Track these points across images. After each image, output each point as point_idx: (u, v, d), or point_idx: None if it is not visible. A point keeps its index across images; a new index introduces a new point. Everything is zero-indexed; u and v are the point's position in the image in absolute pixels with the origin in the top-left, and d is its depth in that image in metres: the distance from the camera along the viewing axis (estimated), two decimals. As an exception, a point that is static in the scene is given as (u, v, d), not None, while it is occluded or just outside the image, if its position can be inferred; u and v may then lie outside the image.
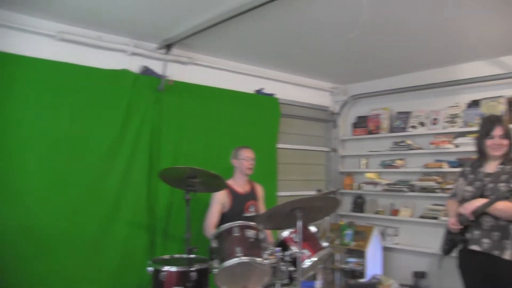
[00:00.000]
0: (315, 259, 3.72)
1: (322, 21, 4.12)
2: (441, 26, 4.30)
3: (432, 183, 5.55)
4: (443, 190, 5.41)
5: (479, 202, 3.21)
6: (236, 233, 3.56)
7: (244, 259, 3.38)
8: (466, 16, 4.06)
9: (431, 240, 5.49)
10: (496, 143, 3.30)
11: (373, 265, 5.67)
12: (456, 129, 5.44)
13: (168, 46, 4.62)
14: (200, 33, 4.17)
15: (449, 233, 3.53)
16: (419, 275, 5.46)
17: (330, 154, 6.71)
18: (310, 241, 3.81)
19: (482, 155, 3.42)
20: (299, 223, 3.26)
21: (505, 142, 3.30)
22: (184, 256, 3.58)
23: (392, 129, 6.15)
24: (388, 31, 4.42)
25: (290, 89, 6.13)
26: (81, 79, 4.17)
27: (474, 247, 3.26)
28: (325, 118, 6.72)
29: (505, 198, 3.12)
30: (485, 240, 3.22)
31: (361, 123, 6.52)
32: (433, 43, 4.81)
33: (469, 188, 3.38)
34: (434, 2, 3.72)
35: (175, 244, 4.61)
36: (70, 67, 4.11)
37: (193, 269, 3.46)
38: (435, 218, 5.47)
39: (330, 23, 4.17)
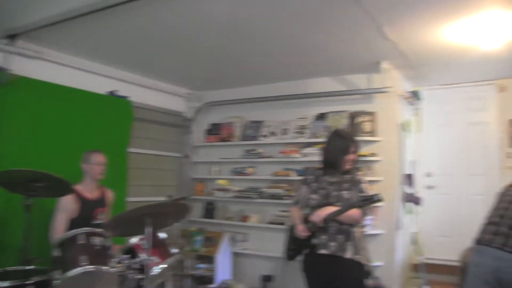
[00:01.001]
0: (164, 266, 3.65)
1: (178, 26, 4.11)
2: (293, 42, 4.57)
3: (280, 191, 5.81)
4: (290, 197, 5.68)
5: (329, 209, 3.42)
6: (81, 241, 3.33)
7: (89, 268, 3.17)
8: (316, 36, 4.36)
9: (279, 244, 5.67)
10: (352, 158, 3.58)
11: (223, 271, 5.74)
12: (304, 140, 5.77)
13: (12, 37, 4.23)
14: (50, 26, 3.89)
15: (294, 239, 3.66)
16: (267, 278, 5.66)
17: (183, 160, 6.68)
18: (159, 248, 3.73)
19: (329, 166, 3.62)
20: (148, 230, 3.20)
21: (356, 157, 3.63)
22: (20, 268, 3.25)
23: (244, 137, 6.32)
24: (244, 42, 4.56)
25: (145, 92, 5.98)
26: None
27: (323, 251, 3.45)
28: (179, 123, 6.67)
29: (359, 206, 3.40)
30: (332, 244, 3.45)
31: (215, 130, 6.60)
32: (286, 57, 5.07)
33: (314, 196, 3.57)
34: (289, 20, 3.95)
35: (12, 255, 4.18)
36: None
37: (30, 282, 3.10)
38: (282, 224, 5.72)
39: (186, 29, 4.17)
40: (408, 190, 5.62)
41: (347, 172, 3.60)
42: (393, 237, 5.33)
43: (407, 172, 5.73)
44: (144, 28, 4.16)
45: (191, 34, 4.31)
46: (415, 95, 5.93)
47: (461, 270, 4.28)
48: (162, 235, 3.91)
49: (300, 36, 4.37)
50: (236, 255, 6.06)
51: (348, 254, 3.44)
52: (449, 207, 6.16)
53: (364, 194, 3.41)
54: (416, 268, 5.66)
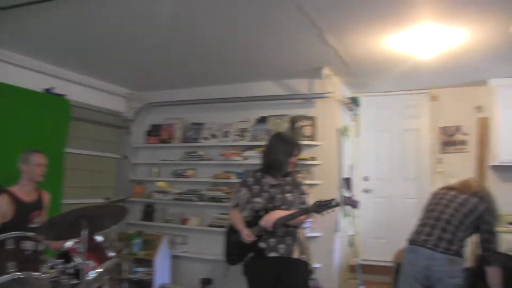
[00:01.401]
0: (100, 270, 3.56)
1: (118, 25, 4.03)
2: (236, 46, 4.60)
3: (220, 193, 5.81)
4: (230, 200, 5.68)
5: (278, 214, 3.42)
6: (10, 246, 3.20)
7: (18, 275, 3.05)
8: (258, 40, 4.41)
9: (218, 247, 5.69)
10: (294, 161, 3.62)
11: (161, 274, 5.68)
12: (245, 143, 5.80)
13: None
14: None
15: (237, 243, 3.59)
16: (206, 281, 5.65)
17: (122, 161, 6.54)
18: (96, 252, 3.63)
19: (271, 169, 3.62)
20: (84, 233, 3.12)
21: (297, 160, 3.69)
22: None
23: (185, 139, 6.26)
24: (186, 44, 4.54)
25: (83, 91, 5.80)
26: None
27: (272, 254, 3.46)
28: (119, 124, 6.54)
29: (317, 212, 3.41)
30: (281, 246, 3.47)
31: (155, 132, 6.50)
32: (229, 60, 5.09)
33: (258, 199, 3.55)
34: (232, 23, 3.97)
35: None
36: None
37: None
38: (222, 226, 5.70)
39: (127, 28, 4.10)
40: (346, 193, 5.76)
41: (288, 174, 3.63)
42: (331, 239, 5.44)
43: (345, 176, 5.87)
44: (83, 24, 4.03)
45: (132, 33, 4.24)
46: (354, 101, 6.09)
47: (394, 270, 4.43)
48: (98, 238, 3.81)
49: (243, 39, 4.40)
50: (175, 258, 6.00)
51: (295, 255, 3.50)
52: (384, 210, 6.39)
53: (321, 199, 3.43)
54: (353, 269, 5.81)
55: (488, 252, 3.28)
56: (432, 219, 3.40)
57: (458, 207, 3.35)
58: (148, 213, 6.40)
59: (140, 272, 5.69)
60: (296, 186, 3.62)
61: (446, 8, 3.58)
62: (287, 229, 3.50)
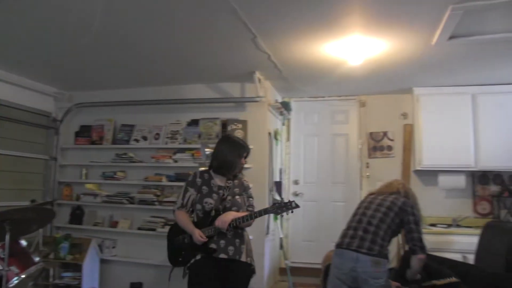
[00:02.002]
0: (24, 276, 3.46)
1: (46, 21, 3.88)
2: (169, 47, 4.57)
3: (151, 196, 5.75)
4: (161, 203, 5.66)
5: (232, 215, 3.46)
6: None
7: None
8: (192, 42, 4.39)
9: (148, 251, 5.69)
10: (243, 164, 3.73)
11: (90, 279, 5.54)
12: (176, 145, 5.77)
13: None
14: None
15: (187, 244, 3.60)
16: (136, 286, 5.57)
17: (50, 163, 6.34)
18: (19, 257, 3.54)
19: (221, 170, 3.66)
20: (7, 237, 3.02)
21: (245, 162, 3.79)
22: None
23: (115, 141, 6.16)
24: (119, 44, 4.46)
25: (8, 89, 5.56)
26: None
27: (222, 255, 3.49)
28: (46, 124, 6.32)
29: (276, 213, 3.53)
30: (230, 248, 3.51)
31: (85, 133, 6.35)
32: (161, 62, 5.05)
33: (209, 200, 3.56)
34: (165, 25, 3.94)
35: None
36: None
37: None
38: (153, 229, 5.67)
39: (54, 26, 3.97)
40: (277, 197, 5.84)
41: (235, 177, 3.72)
42: (262, 242, 5.49)
43: (276, 179, 5.96)
44: (6, 20, 3.87)
45: (60, 32, 4.11)
46: (285, 105, 6.19)
47: (323, 272, 4.54)
48: (23, 242, 3.69)
49: (176, 42, 4.37)
50: (104, 262, 5.87)
51: (243, 257, 3.54)
52: (314, 213, 6.53)
53: (279, 201, 3.49)
54: (283, 271, 5.90)
55: (413, 241, 3.43)
56: (355, 222, 3.55)
57: (378, 207, 3.53)
58: (77, 216, 6.23)
59: (67, 277, 5.54)
60: (245, 189, 3.74)
61: (374, 20, 3.77)
62: (236, 231, 3.55)
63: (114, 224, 6.00)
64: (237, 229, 3.55)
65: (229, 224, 3.42)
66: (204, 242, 3.46)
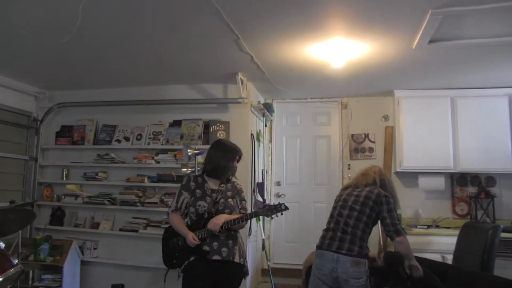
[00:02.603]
0: (1, 279, 3.41)
1: (27, 20, 3.84)
2: (152, 48, 4.55)
3: (133, 197, 5.72)
4: (143, 204, 5.64)
5: (224, 217, 3.49)
6: None
7: None
8: (175, 43, 4.39)
9: (130, 252, 5.67)
10: (236, 167, 3.78)
11: (70, 281, 5.48)
12: (158, 146, 5.76)
13: None
14: None
15: (181, 247, 3.62)
16: (118, 287, 5.52)
17: (30, 163, 6.27)
18: (-3, 259, 3.49)
19: (214, 174, 3.71)
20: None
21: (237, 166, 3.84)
22: None
23: (97, 141, 6.11)
24: (101, 44, 4.43)
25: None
26: None
27: (216, 257, 3.50)
28: (27, 124, 6.26)
29: (266, 215, 3.58)
30: (224, 249, 3.53)
31: (66, 133, 6.28)
32: (143, 62, 5.03)
33: (203, 203, 3.60)
34: (148, 25, 3.93)
35: None
36: None
37: None
38: (135, 231, 5.64)
39: (32, 24, 3.92)
40: (260, 198, 5.86)
41: (228, 180, 3.79)
42: (244, 243, 5.49)
43: (259, 180, 5.98)
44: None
45: (41, 30, 4.07)
46: (267, 107, 6.21)
47: (304, 273, 4.57)
48: (1, 244, 3.63)
49: (158, 42, 4.36)
50: (85, 264, 5.81)
51: (237, 258, 3.57)
52: (296, 215, 6.55)
53: (269, 203, 3.52)
54: (265, 272, 5.92)
55: (386, 227, 3.46)
56: (333, 223, 3.58)
57: (353, 205, 3.55)
58: (57, 217, 6.15)
59: (47, 279, 5.46)
60: (237, 192, 3.78)
61: (356, 24, 3.82)
62: (229, 233, 3.59)
63: (95, 226, 5.95)
64: (230, 231, 3.59)
65: (221, 227, 3.45)
66: (198, 244, 3.50)
